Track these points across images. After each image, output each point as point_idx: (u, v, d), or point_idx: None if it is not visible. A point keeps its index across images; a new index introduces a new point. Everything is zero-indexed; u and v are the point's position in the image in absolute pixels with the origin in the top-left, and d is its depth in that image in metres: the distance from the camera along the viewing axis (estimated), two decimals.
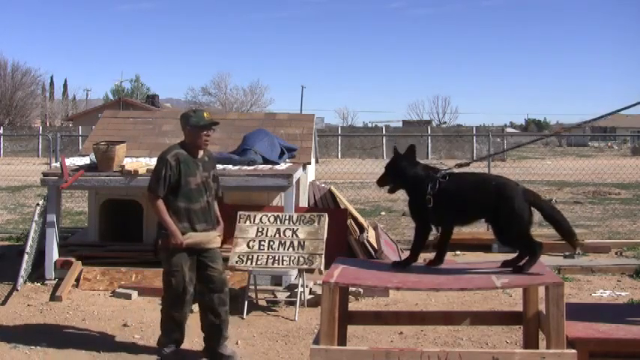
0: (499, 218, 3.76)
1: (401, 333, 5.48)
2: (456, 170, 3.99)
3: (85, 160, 7.49)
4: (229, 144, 7.81)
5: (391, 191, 4.09)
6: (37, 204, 7.37)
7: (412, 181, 3.93)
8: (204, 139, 4.92)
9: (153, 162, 7.39)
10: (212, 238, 5.02)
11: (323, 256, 6.20)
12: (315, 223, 6.44)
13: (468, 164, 4.26)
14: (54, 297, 6.50)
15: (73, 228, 9.80)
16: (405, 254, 7.85)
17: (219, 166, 6.64)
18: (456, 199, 3.81)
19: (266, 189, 7.02)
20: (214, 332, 4.96)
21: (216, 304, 4.95)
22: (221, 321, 4.96)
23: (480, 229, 8.76)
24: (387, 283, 3.77)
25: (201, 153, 4.99)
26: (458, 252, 8.62)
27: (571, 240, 3.84)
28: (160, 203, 4.83)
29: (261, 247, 6.31)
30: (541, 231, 9.17)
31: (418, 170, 3.95)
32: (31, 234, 7.12)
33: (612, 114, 5.43)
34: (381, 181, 4.09)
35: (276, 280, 6.82)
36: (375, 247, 7.37)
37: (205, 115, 4.95)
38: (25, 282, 6.87)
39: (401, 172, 3.98)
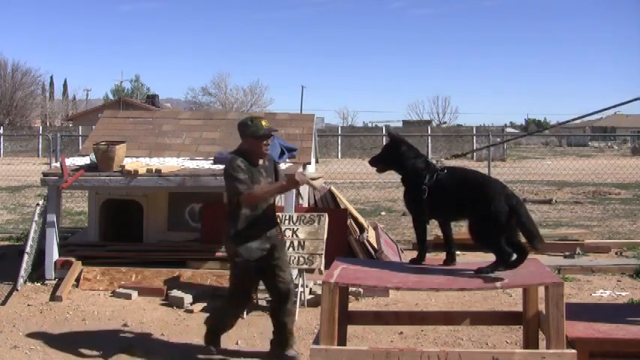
0: (475, 215, 3.76)
1: (401, 333, 5.48)
2: (453, 162, 4.01)
3: (85, 160, 7.49)
4: (229, 144, 7.79)
5: (380, 171, 4.11)
6: (37, 204, 7.36)
7: (411, 170, 3.95)
8: (265, 148, 4.78)
9: (153, 162, 7.43)
10: (315, 175, 4.80)
11: (323, 256, 6.20)
12: (315, 223, 6.44)
13: (464, 155, 4.27)
14: (54, 297, 6.49)
15: (73, 228, 9.80)
16: (406, 254, 7.85)
17: (220, 167, 6.65)
18: (445, 192, 3.83)
19: None
20: (280, 339, 4.93)
21: (284, 314, 4.89)
22: (287, 330, 4.92)
23: None
24: (387, 283, 3.78)
25: (261, 161, 4.84)
26: (458, 252, 8.56)
27: (532, 241, 3.76)
28: (252, 191, 4.61)
29: None
30: (541, 231, 9.17)
31: (418, 161, 3.97)
32: (31, 234, 7.11)
33: (607, 109, 5.50)
34: (374, 161, 4.11)
35: None
36: (375, 247, 7.37)
37: (264, 123, 4.75)
38: (25, 282, 6.87)
39: (400, 157, 3.99)
